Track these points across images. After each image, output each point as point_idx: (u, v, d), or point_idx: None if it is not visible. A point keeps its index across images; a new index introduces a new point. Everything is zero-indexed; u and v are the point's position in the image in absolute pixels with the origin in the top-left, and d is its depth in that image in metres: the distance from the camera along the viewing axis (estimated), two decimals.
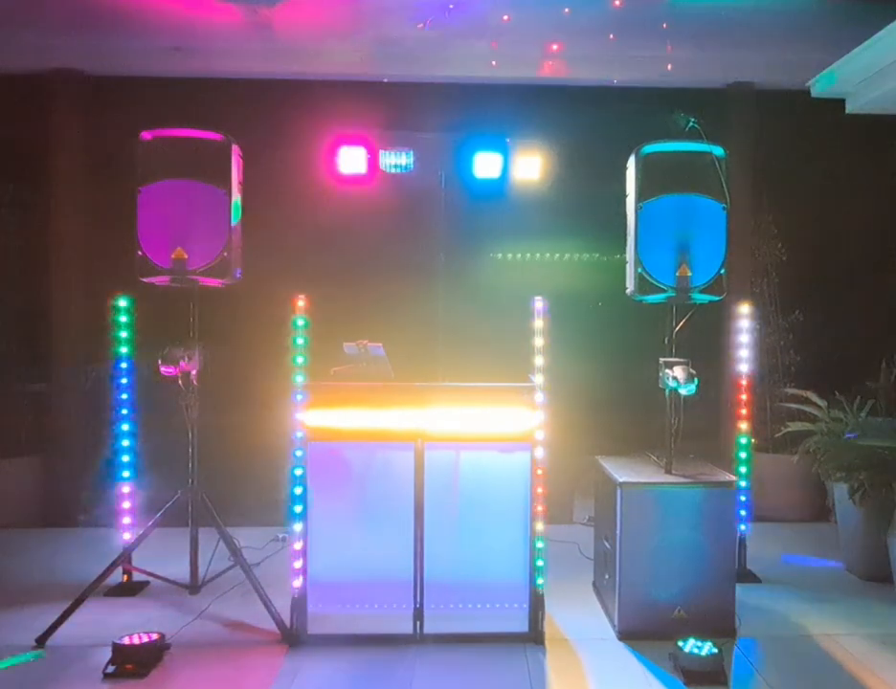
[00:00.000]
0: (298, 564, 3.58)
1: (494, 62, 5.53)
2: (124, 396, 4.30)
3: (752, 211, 5.86)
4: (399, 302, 5.36)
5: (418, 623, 3.59)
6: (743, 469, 4.45)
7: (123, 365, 4.27)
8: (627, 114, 5.52)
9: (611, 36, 5.30)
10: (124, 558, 4.06)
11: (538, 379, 3.63)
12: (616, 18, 5.05)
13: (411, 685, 3.21)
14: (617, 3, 4.86)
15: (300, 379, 3.62)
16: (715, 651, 3.29)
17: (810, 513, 5.67)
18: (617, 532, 3.64)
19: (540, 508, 3.59)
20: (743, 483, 4.39)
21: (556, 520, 5.14)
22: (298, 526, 3.58)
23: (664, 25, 5.12)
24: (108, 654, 3.31)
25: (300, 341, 3.67)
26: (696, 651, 3.29)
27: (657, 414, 4.13)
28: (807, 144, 5.61)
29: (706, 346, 5.57)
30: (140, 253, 3.80)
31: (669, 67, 5.61)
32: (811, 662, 3.47)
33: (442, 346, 4.17)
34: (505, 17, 4.94)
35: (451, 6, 4.87)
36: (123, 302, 4.22)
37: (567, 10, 4.92)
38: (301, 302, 3.69)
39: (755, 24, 5.10)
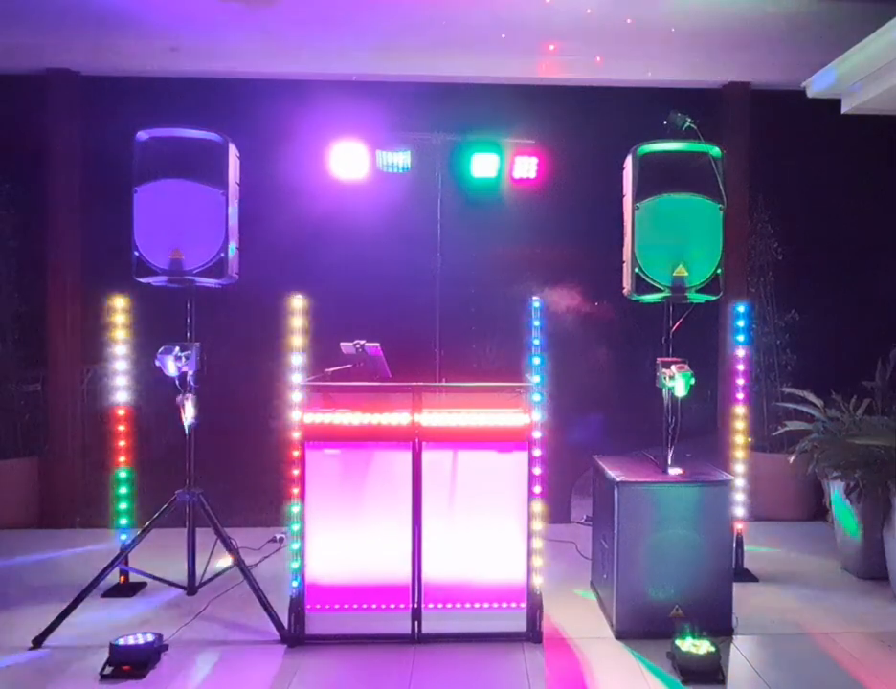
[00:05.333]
0: (296, 564, 3.58)
1: (493, 61, 5.54)
2: (121, 397, 4.30)
3: (749, 210, 5.88)
4: (397, 302, 5.36)
5: (416, 623, 3.59)
6: (740, 468, 4.46)
7: (120, 365, 4.27)
8: (624, 114, 5.53)
9: (607, 36, 5.32)
10: (122, 559, 4.06)
11: (535, 379, 3.64)
12: (613, 18, 5.06)
13: (409, 685, 3.21)
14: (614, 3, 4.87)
15: (297, 379, 3.62)
16: (712, 649, 3.30)
17: (806, 512, 5.69)
18: (615, 531, 3.65)
19: (538, 507, 3.60)
20: (740, 482, 4.40)
21: (554, 519, 5.15)
22: (295, 527, 3.57)
23: (661, 25, 5.14)
24: (105, 655, 3.30)
25: (297, 341, 3.67)
26: (693, 649, 3.30)
27: (654, 414, 4.14)
28: (803, 144, 5.62)
29: (703, 346, 5.60)
30: (136, 253, 3.79)
31: (665, 67, 5.63)
32: (808, 660, 3.48)
33: (439, 346, 4.17)
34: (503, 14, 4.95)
35: None
36: (119, 303, 4.22)
37: (563, 10, 4.94)
38: (298, 303, 3.69)
39: (751, 24, 5.11)
